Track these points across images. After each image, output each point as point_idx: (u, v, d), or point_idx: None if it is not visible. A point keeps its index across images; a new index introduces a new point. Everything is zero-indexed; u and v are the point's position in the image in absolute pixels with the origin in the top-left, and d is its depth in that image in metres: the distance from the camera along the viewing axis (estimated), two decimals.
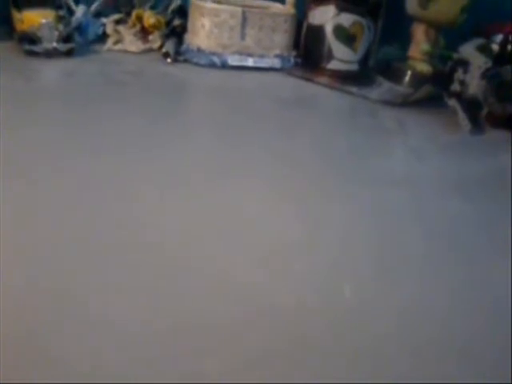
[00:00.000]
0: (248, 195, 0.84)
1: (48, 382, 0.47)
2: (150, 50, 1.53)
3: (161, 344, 0.53)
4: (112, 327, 0.54)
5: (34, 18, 1.35)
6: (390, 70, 1.49)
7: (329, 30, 1.46)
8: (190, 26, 1.52)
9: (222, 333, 0.56)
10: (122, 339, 0.53)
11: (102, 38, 1.53)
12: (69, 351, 0.51)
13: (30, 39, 1.33)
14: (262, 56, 1.51)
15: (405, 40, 1.50)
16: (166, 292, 0.60)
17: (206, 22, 1.48)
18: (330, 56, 1.47)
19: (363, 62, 1.50)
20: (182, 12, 1.54)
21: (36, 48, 1.33)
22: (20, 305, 0.56)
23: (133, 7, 1.57)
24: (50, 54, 1.34)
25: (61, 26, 1.35)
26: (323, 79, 1.46)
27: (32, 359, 0.50)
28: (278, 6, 1.59)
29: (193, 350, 0.53)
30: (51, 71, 1.33)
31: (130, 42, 1.52)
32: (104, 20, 1.54)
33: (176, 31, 1.53)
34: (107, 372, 0.49)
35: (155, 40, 1.53)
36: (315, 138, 1.12)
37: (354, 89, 1.41)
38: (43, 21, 1.34)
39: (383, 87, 1.42)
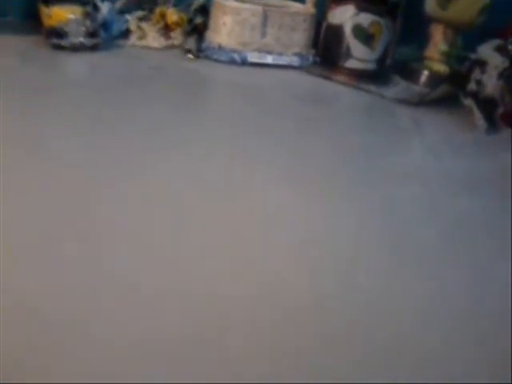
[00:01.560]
0: (263, 190, 0.85)
1: (48, 382, 0.47)
2: (172, 47, 1.57)
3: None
4: (112, 328, 0.54)
5: (61, 14, 1.40)
6: (407, 70, 1.51)
7: (348, 29, 1.48)
8: (211, 23, 1.55)
9: (232, 323, 0.56)
10: (123, 339, 0.53)
11: (126, 34, 1.56)
12: (69, 351, 0.51)
13: (57, 34, 1.38)
14: (281, 54, 1.54)
15: (423, 40, 1.51)
16: (184, 279, 0.61)
17: (228, 20, 1.51)
18: (349, 55, 1.50)
19: (381, 61, 1.51)
20: (204, 10, 1.57)
21: (63, 42, 1.38)
22: (20, 305, 0.55)
23: (156, 5, 1.61)
24: (77, 49, 1.39)
25: (87, 22, 1.40)
26: (341, 77, 1.48)
27: (32, 359, 0.49)
28: (297, 6, 1.62)
29: (194, 352, 0.52)
30: (77, 64, 1.38)
31: (153, 38, 1.55)
32: (128, 17, 1.58)
33: (198, 29, 1.56)
34: (107, 372, 0.49)
35: (177, 37, 1.57)
36: (331, 135, 1.14)
37: (371, 87, 1.43)
38: (71, 16, 1.38)
39: (400, 86, 1.44)
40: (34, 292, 0.57)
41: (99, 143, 0.92)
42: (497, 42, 1.30)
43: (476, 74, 1.25)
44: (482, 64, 1.24)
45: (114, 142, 0.93)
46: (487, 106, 1.21)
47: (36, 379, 0.47)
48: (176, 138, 0.99)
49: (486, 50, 1.24)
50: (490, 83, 1.21)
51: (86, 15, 1.42)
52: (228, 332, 0.55)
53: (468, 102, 1.25)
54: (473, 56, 1.29)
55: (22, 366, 0.48)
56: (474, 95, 1.24)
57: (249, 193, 0.84)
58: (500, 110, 1.20)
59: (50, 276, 0.60)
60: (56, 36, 1.38)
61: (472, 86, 1.25)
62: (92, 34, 1.41)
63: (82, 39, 1.39)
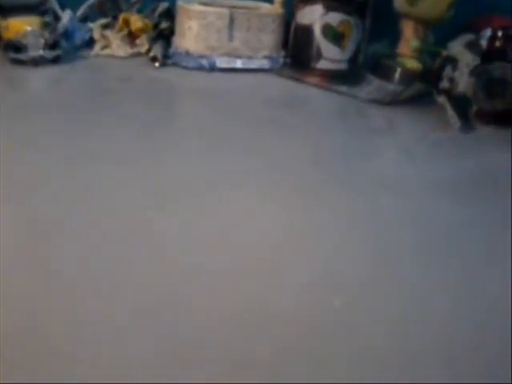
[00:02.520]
0: (238, 202, 0.83)
1: (48, 382, 0.47)
2: (138, 54, 1.52)
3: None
4: (113, 328, 0.55)
5: (19, 26, 1.34)
6: (380, 68, 1.48)
7: (317, 29, 1.45)
8: (177, 28, 1.51)
9: (213, 339, 0.56)
10: (124, 339, 0.54)
11: (90, 43, 1.51)
12: (69, 352, 0.51)
13: (15, 47, 1.32)
14: (250, 57, 1.50)
15: (394, 37, 1.49)
16: (161, 296, 0.61)
17: (193, 24, 1.47)
18: (319, 55, 1.47)
19: (352, 60, 1.49)
20: (169, 15, 1.53)
21: (22, 56, 1.32)
22: (20, 305, 0.56)
23: (120, 11, 1.56)
24: (37, 62, 1.33)
25: (46, 33, 1.34)
26: (313, 79, 1.45)
27: (32, 360, 0.50)
28: (265, 6, 1.58)
29: (194, 351, 0.53)
30: (38, 80, 1.32)
31: (118, 46, 1.51)
32: (91, 25, 1.53)
33: (163, 34, 1.51)
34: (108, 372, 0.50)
35: (143, 44, 1.52)
36: (304, 141, 1.11)
37: (343, 88, 1.40)
38: (28, 28, 1.33)
39: (373, 85, 1.41)
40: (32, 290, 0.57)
41: (56, 172, 0.88)
42: (468, 36, 1.28)
43: (448, 71, 1.23)
44: (453, 61, 1.22)
45: (73, 169, 0.89)
46: (460, 103, 1.19)
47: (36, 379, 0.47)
48: (144, 157, 0.95)
49: (457, 47, 1.23)
50: (462, 80, 1.20)
51: (45, 25, 1.36)
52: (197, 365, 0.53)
53: (441, 99, 1.23)
54: (444, 52, 1.28)
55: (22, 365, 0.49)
56: (447, 93, 1.23)
57: (226, 205, 0.81)
58: (474, 108, 1.19)
59: (47, 275, 0.60)
60: (14, 50, 1.32)
61: (444, 83, 1.23)
62: (52, 46, 1.35)
63: (41, 52, 1.33)
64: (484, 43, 1.24)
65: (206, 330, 0.57)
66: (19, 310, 0.57)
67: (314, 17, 1.46)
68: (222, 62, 1.47)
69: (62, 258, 0.67)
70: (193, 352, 0.54)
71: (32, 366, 0.50)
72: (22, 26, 1.34)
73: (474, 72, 1.19)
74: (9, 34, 1.34)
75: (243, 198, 0.85)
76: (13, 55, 1.32)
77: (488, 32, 1.27)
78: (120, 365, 0.51)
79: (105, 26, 1.53)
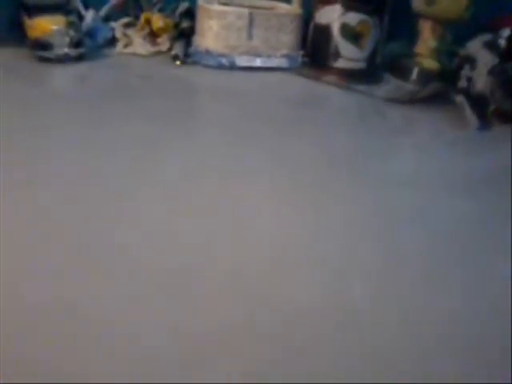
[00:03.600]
0: (255, 197, 0.85)
1: (48, 382, 0.48)
2: (159, 53, 1.55)
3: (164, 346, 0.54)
4: (114, 329, 0.55)
5: (45, 25, 1.38)
6: (397, 67, 1.49)
7: (335, 29, 1.47)
8: (197, 28, 1.53)
9: (224, 335, 0.56)
10: (124, 340, 0.54)
11: (112, 41, 1.55)
12: (70, 352, 0.52)
13: (42, 45, 1.36)
14: (269, 56, 1.52)
15: (412, 37, 1.50)
16: (167, 292, 0.61)
17: (214, 24, 1.49)
18: (337, 55, 1.48)
19: (370, 59, 1.50)
20: (190, 14, 1.56)
21: (48, 54, 1.36)
22: (20, 305, 0.56)
23: (141, 10, 1.59)
24: (62, 60, 1.37)
25: (71, 32, 1.38)
26: (330, 78, 1.47)
27: (32, 359, 0.50)
28: (284, 7, 1.60)
29: (194, 352, 0.54)
30: (63, 76, 1.36)
31: (140, 45, 1.54)
32: (113, 24, 1.56)
33: (184, 33, 1.54)
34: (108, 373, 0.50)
35: (164, 43, 1.55)
36: (322, 139, 1.13)
37: (361, 87, 1.41)
38: (54, 27, 1.36)
39: (390, 85, 1.43)
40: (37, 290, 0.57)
41: (87, 160, 0.91)
42: (486, 36, 1.29)
43: (466, 70, 1.24)
44: (471, 60, 1.23)
45: (102, 159, 0.92)
46: (478, 102, 1.20)
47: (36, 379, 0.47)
48: (165, 152, 0.97)
49: (475, 47, 1.23)
50: (480, 80, 1.20)
51: (70, 25, 1.40)
52: (227, 344, 0.54)
53: (459, 99, 1.24)
54: (462, 52, 1.28)
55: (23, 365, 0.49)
56: (465, 92, 1.23)
57: (241, 203, 0.83)
58: (491, 107, 1.19)
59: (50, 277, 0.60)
60: (40, 48, 1.36)
61: (462, 82, 1.24)
62: (77, 44, 1.39)
63: (66, 50, 1.37)
64: (502, 43, 1.24)
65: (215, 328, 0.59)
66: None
67: (332, 16, 1.47)
68: (241, 61, 1.50)
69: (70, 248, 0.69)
70: (204, 352, 0.54)
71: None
72: (48, 25, 1.38)
73: (492, 71, 1.19)
74: (35, 33, 1.38)
75: (257, 193, 0.86)
76: (39, 53, 1.36)
77: (507, 32, 1.28)
78: (120, 364, 0.51)
79: (127, 25, 1.57)
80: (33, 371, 0.50)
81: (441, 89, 1.33)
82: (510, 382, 0.52)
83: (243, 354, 0.54)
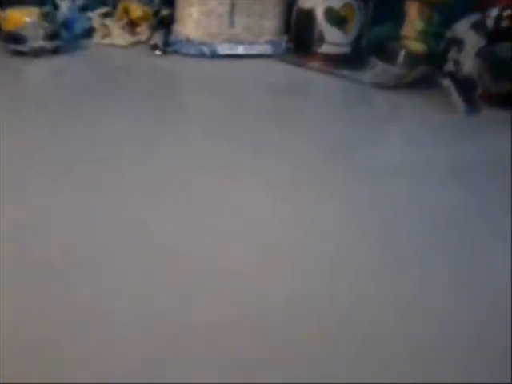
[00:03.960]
0: (242, 191, 0.83)
1: (48, 382, 0.48)
2: (139, 43, 1.51)
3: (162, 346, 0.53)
4: (113, 329, 0.55)
5: (18, 17, 1.33)
6: (384, 51, 1.46)
7: (319, 13, 1.43)
8: (177, 15, 1.49)
9: (217, 332, 0.56)
10: (124, 340, 0.54)
11: (89, 32, 1.50)
12: (69, 352, 0.52)
13: (15, 38, 1.32)
14: (252, 43, 1.48)
15: (398, 19, 1.46)
16: (164, 290, 0.61)
17: (194, 10, 1.45)
18: (322, 40, 1.45)
19: (356, 44, 1.47)
20: (169, 2, 1.51)
21: (22, 47, 1.32)
22: (20, 306, 0.56)
23: None
24: (37, 53, 1.33)
25: (46, 24, 1.33)
26: (315, 64, 1.44)
27: (32, 360, 0.50)
28: None
29: (193, 351, 0.53)
30: (39, 71, 1.32)
31: (118, 35, 1.49)
32: (90, 14, 1.52)
33: (164, 22, 1.50)
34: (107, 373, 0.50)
35: (143, 32, 1.51)
36: (308, 127, 1.10)
37: (346, 72, 1.38)
38: (27, 19, 1.32)
39: (376, 69, 1.39)
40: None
41: (66, 157, 0.88)
42: (474, 17, 1.25)
43: (453, 53, 1.21)
44: (458, 43, 1.20)
45: (76, 159, 0.89)
46: (465, 86, 1.17)
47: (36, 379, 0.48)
48: (149, 145, 0.95)
49: (462, 28, 1.20)
50: (468, 63, 1.17)
51: (44, 16, 1.35)
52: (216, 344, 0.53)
53: (446, 82, 1.21)
54: (449, 34, 1.25)
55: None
56: (452, 75, 1.20)
57: (228, 196, 0.81)
58: (479, 90, 1.16)
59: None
60: (14, 41, 1.32)
61: (449, 65, 1.21)
62: (52, 36, 1.35)
63: (41, 42, 1.33)
64: (490, 23, 1.21)
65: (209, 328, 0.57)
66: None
67: (316, 1, 1.43)
68: (223, 49, 1.46)
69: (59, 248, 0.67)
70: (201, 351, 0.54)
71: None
72: (21, 17, 1.33)
73: (479, 54, 1.16)
74: (8, 26, 1.34)
75: (243, 186, 0.84)
76: (13, 46, 1.32)
77: (495, 11, 1.24)
78: (120, 364, 0.51)
79: (105, 15, 1.52)
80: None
81: (428, 72, 1.29)
82: (510, 382, 0.52)
83: (239, 352, 0.54)
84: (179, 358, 0.52)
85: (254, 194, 0.82)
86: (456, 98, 1.17)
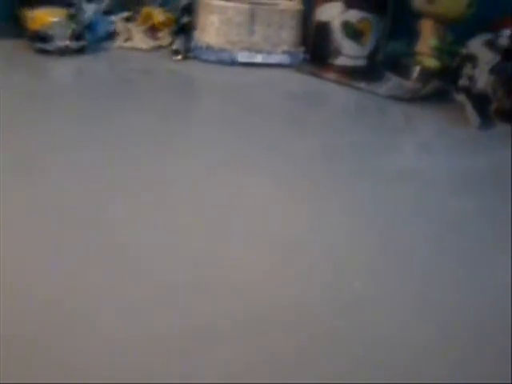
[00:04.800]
0: (256, 192, 0.84)
1: (48, 382, 0.48)
2: (160, 48, 1.54)
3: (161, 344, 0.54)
4: (113, 329, 0.55)
5: (45, 17, 1.37)
6: (398, 66, 1.50)
7: (336, 26, 1.47)
8: (198, 23, 1.53)
9: (224, 330, 0.56)
10: (122, 340, 0.54)
11: (112, 35, 1.54)
12: (68, 352, 0.52)
13: (41, 38, 1.35)
14: (270, 52, 1.52)
15: (413, 35, 1.50)
16: (167, 286, 0.61)
17: (215, 19, 1.49)
18: (338, 52, 1.48)
19: (371, 57, 1.50)
20: (191, 9, 1.55)
21: (48, 46, 1.35)
22: (20, 306, 0.56)
23: (142, 5, 1.58)
24: (62, 52, 1.36)
25: (72, 24, 1.37)
26: (331, 75, 1.47)
27: (32, 360, 0.50)
28: (285, 3, 1.60)
29: (195, 349, 0.53)
30: (63, 69, 1.35)
31: (140, 39, 1.53)
32: (114, 18, 1.55)
33: (185, 28, 1.53)
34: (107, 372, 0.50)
35: (164, 37, 1.54)
36: (323, 136, 1.12)
37: (362, 84, 1.41)
38: (55, 19, 1.35)
39: (391, 82, 1.43)
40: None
41: (87, 155, 0.90)
42: (486, 35, 1.29)
43: (467, 69, 1.24)
44: (472, 59, 1.23)
45: (102, 153, 0.91)
46: (480, 101, 1.20)
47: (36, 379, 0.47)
48: (165, 146, 0.97)
49: (476, 45, 1.24)
50: (482, 78, 1.21)
51: (71, 17, 1.39)
52: (221, 343, 0.54)
53: (460, 97, 1.24)
54: (463, 51, 1.29)
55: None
56: (466, 90, 1.23)
57: (241, 198, 0.82)
58: (493, 106, 1.20)
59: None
60: (40, 40, 1.35)
61: (464, 81, 1.24)
62: (77, 37, 1.38)
63: (67, 42, 1.36)
64: (503, 41, 1.25)
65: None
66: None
67: (333, 14, 1.47)
68: (242, 57, 1.49)
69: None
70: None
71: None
72: (48, 17, 1.37)
73: (493, 70, 1.20)
74: (35, 25, 1.37)
75: (258, 189, 0.86)
76: (39, 45, 1.35)
77: (508, 31, 1.28)
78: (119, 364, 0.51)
79: (127, 19, 1.56)
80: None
81: (442, 87, 1.33)
82: (510, 382, 0.52)
83: (242, 351, 0.54)
84: (180, 358, 0.52)
85: (267, 195, 0.84)
86: (470, 112, 1.20)
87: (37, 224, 0.70)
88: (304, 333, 0.57)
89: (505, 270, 0.70)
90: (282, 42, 1.53)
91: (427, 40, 1.46)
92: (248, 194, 0.84)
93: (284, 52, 1.53)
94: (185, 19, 1.55)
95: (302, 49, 1.55)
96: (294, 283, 0.64)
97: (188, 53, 1.49)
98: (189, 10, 1.57)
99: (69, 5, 1.42)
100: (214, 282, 0.62)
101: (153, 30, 1.54)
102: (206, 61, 1.49)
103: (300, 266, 0.68)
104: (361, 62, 1.50)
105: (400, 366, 0.54)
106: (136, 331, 0.54)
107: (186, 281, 0.62)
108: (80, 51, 1.39)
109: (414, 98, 1.33)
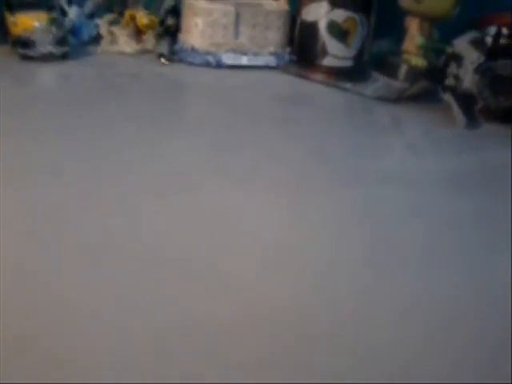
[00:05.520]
0: (244, 197, 0.84)
1: (48, 382, 0.48)
2: (145, 51, 1.53)
3: (159, 344, 0.54)
4: (112, 329, 0.56)
5: (27, 22, 1.35)
6: (385, 65, 1.49)
7: (322, 26, 1.46)
8: (183, 25, 1.51)
9: (221, 335, 0.56)
10: (121, 339, 0.54)
11: (97, 38, 1.52)
12: (68, 352, 0.52)
13: (24, 43, 1.33)
14: (256, 54, 1.51)
15: (399, 34, 1.50)
16: (165, 293, 0.61)
17: (199, 21, 1.47)
18: (324, 52, 1.48)
19: (358, 57, 1.50)
20: (175, 11, 1.54)
21: (31, 52, 1.33)
22: (20, 307, 0.57)
23: (126, 7, 1.57)
24: (46, 58, 1.34)
25: (54, 29, 1.35)
26: (318, 76, 1.46)
27: (32, 360, 0.51)
28: (271, 3, 1.59)
29: (193, 352, 0.54)
30: (47, 75, 1.34)
31: (125, 42, 1.51)
32: (98, 21, 1.54)
33: (170, 31, 1.52)
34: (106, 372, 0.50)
35: (149, 40, 1.53)
36: (310, 137, 1.12)
37: (348, 85, 1.41)
38: (36, 24, 1.33)
39: (378, 83, 1.42)
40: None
41: (71, 162, 0.89)
42: (472, 34, 1.28)
43: (453, 68, 1.24)
44: (458, 58, 1.23)
45: (81, 162, 0.90)
46: (466, 100, 1.20)
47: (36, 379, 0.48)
48: (153, 151, 0.96)
49: (462, 44, 1.23)
50: (467, 78, 1.20)
51: (53, 21, 1.37)
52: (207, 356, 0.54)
53: (446, 96, 1.24)
54: (449, 50, 1.28)
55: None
56: (452, 90, 1.23)
57: (230, 201, 0.82)
58: (479, 105, 1.19)
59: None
60: (23, 45, 1.33)
61: (450, 80, 1.24)
62: (60, 42, 1.36)
63: (50, 48, 1.34)
64: (489, 40, 1.24)
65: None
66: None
67: (319, 14, 1.46)
68: (227, 59, 1.48)
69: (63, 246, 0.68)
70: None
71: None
72: (31, 21, 1.35)
73: (478, 69, 1.19)
74: (17, 30, 1.35)
75: (246, 192, 0.85)
76: (22, 51, 1.33)
77: (493, 30, 1.28)
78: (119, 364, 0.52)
79: (112, 22, 1.54)
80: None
81: (428, 87, 1.32)
82: (510, 382, 0.52)
83: (240, 352, 0.54)
84: (179, 358, 0.53)
85: (255, 199, 0.84)
86: (457, 111, 1.20)
87: (35, 226, 0.70)
88: (303, 333, 0.57)
89: (499, 268, 0.70)
90: (268, 43, 1.52)
91: (414, 38, 1.45)
92: (238, 198, 0.84)
93: (270, 53, 1.52)
94: (169, 21, 1.53)
95: (288, 50, 1.54)
96: (285, 287, 0.64)
97: (173, 56, 1.48)
98: (173, 11, 1.55)
99: (51, 8, 1.41)
100: (210, 284, 0.63)
101: (137, 32, 1.53)
102: (192, 63, 1.47)
103: (292, 267, 0.68)
104: (348, 62, 1.49)
105: (395, 370, 0.54)
106: (136, 331, 0.55)
107: (186, 282, 0.63)
108: (64, 57, 1.37)
109: (401, 99, 1.32)
